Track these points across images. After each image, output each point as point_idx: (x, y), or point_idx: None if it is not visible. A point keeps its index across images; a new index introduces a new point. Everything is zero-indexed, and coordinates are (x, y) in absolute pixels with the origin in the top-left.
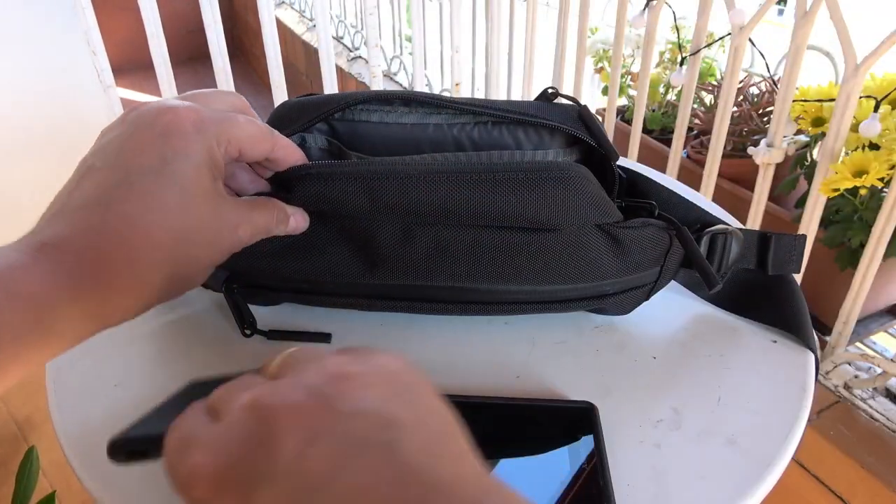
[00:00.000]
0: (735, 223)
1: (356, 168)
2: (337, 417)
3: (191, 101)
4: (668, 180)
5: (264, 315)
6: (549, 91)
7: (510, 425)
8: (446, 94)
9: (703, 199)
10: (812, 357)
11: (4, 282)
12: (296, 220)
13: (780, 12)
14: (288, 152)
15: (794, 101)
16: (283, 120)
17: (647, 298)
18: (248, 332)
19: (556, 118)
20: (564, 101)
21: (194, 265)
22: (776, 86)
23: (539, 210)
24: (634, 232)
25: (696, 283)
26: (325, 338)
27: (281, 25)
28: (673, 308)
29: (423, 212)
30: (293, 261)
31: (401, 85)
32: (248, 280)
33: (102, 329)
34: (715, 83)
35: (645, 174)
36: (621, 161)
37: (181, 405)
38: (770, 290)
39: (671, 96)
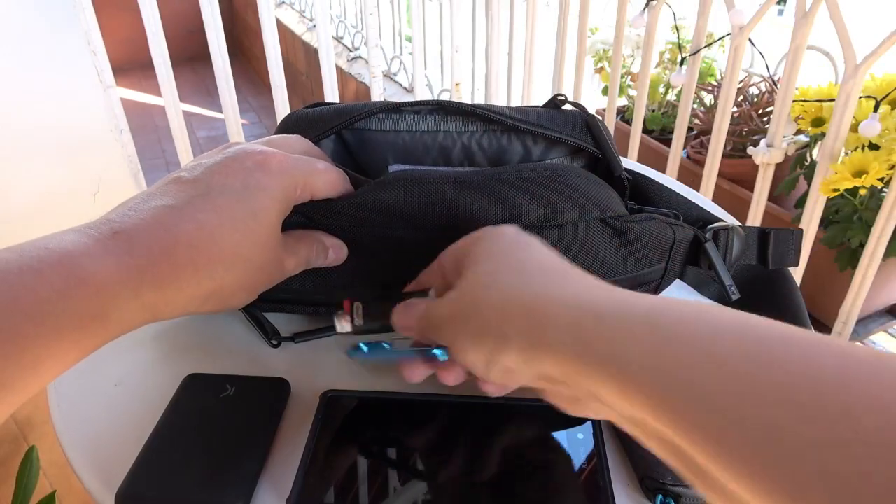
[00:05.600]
0: (735, 223)
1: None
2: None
3: (268, 146)
4: (668, 180)
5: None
6: (559, 98)
7: (511, 425)
8: (446, 94)
9: (703, 199)
10: None
11: (73, 268)
12: (334, 253)
13: (780, 12)
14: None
15: (793, 101)
16: (295, 132)
17: (655, 294)
18: (274, 342)
19: (564, 129)
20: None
21: (243, 285)
22: (776, 86)
23: (537, 208)
24: (638, 226)
25: (699, 281)
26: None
27: (281, 25)
28: None
29: (431, 213)
30: (310, 276)
31: (401, 85)
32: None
33: (151, 321)
34: (715, 83)
35: (644, 174)
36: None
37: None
38: (769, 285)
39: (671, 96)
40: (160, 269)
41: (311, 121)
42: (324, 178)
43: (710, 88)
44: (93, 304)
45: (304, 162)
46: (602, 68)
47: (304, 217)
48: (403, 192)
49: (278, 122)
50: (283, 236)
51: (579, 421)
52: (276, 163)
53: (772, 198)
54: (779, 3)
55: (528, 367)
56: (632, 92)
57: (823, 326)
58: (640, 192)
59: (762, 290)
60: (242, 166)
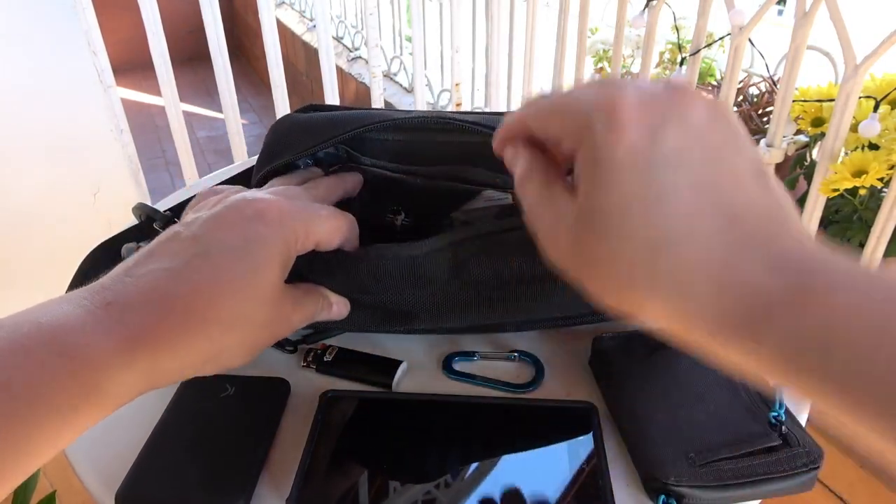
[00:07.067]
0: None
1: (368, 256)
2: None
3: (281, 195)
4: None
5: None
6: None
7: (511, 425)
8: (446, 94)
9: None
10: None
11: (64, 345)
12: (338, 308)
13: (780, 12)
14: (354, 244)
15: (793, 101)
16: (288, 140)
17: None
18: (290, 348)
19: None
20: None
21: (243, 344)
22: (776, 86)
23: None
24: None
25: None
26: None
27: (281, 25)
28: None
29: (431, 282)
30: None
31: (401, 85)
32: None
33: (146, 391)
34: (715, 83)
35: None
36: None
37: (177, 449)
38: None
39: None
40: (153, 337)
41: (304, 129)
42: (327, 226)
43: (710, 88)
44: (85, 380)
45: (306, 210)
46: (602, 68)
47: (300, 278)
48: (400, 283)
49: None
50: (289, 289)
51: (579, 421)
52: (277, 211)
53: None
54: (779, 3)
55: (669, 327)
56: None
57: None
58: None
59: None
60: (242, 216)
